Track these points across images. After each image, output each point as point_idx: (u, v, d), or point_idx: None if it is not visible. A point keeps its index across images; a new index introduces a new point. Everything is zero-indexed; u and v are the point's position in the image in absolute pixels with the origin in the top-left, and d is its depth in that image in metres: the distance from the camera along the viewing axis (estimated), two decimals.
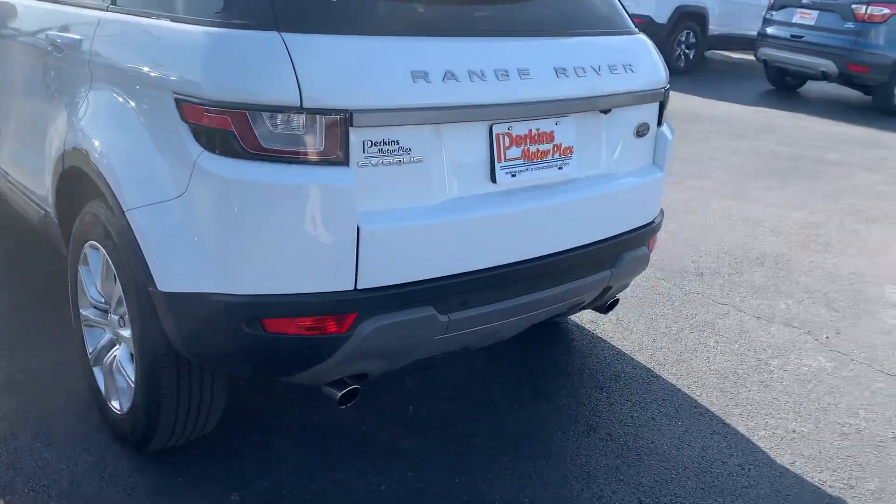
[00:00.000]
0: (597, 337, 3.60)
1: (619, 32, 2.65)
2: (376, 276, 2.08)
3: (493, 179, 2.26)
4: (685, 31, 11.63)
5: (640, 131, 2.67)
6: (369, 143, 2.00)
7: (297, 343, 2.09)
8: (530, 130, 2.33)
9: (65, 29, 2.63)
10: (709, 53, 13.90)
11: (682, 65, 11.67)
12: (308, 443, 2.65)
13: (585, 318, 3.71)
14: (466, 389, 3.07)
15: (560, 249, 2.43)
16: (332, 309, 2.06)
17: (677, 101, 9.07)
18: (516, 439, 2.77)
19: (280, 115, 1.91)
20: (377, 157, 2.02)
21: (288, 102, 1.90)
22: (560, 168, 2.42)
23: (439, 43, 2.14)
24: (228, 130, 1.92)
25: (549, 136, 2.38)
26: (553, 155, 2.40)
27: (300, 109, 1.91)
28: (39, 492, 2.32)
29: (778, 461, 2.75)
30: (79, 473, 2.40)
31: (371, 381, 2.49)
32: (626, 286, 2.97)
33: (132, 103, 2.21)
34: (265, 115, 1.91)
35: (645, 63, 2.66)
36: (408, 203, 2.11)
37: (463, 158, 2.20)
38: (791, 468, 2.72)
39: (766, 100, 10.37)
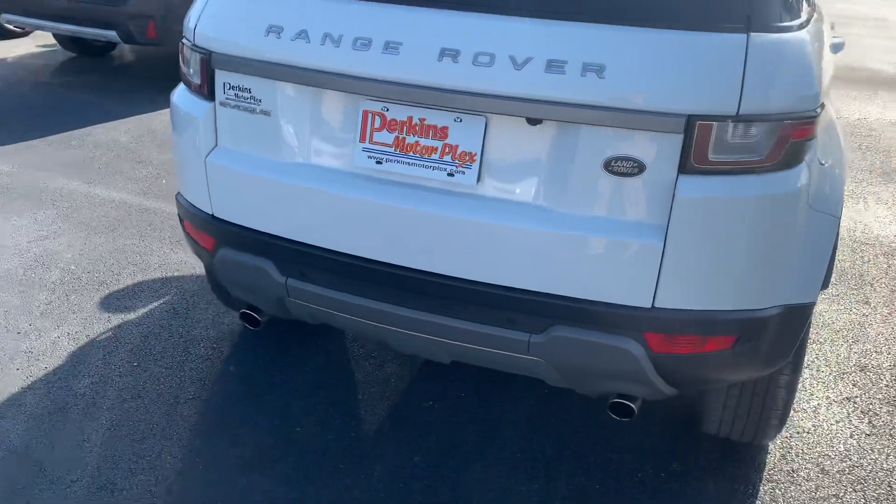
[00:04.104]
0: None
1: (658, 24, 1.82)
2: (226, 210, 2.26)
3: (353, 159, 2.07)
4: None
5: (620, 168, 1.84)
6: (228, 86, 2.17)
7: (195, 246, 2.46)
8: (410, 118, 1.99)
9: None
10: None
11: None
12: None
13: None
14: None
15: (425, 269, 2.02)
16: (199, 225, 2.35)
17: None
18: None
19: (185, 50, 2.28)
20: (234, 100, 2.17)
21: (188, 40, 2.26)
22: (451, 175, 1.98)
23: (314, 1, 2.05)
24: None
25: (441, 132, 1.97)
26: (441, 155, 1.98)
27: (193, 46, 2.24)
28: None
29: None
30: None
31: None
32: (626, 392, 2.08)
33: None
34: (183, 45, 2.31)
35: (651, 70, 1.78)
36: (257, 152, 2.18)
37: (326, 127, 2.10)
38: None
39: None
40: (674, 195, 1.81)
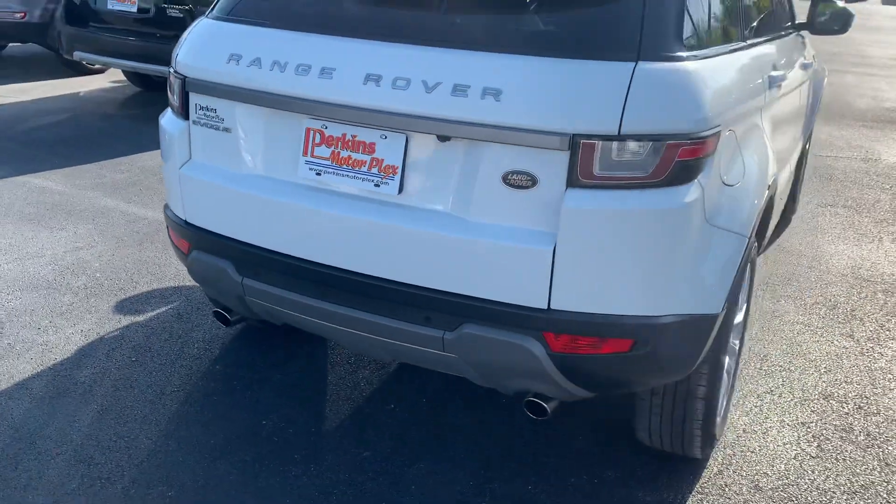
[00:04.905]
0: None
1: (556, 54, 2.03)
2: (196, 216, 2.55)
3: (297, 171, 2.33)
4: None
5: (516, 181, 2.03)
6: (199, 107, 2.48)
7: (176, 250, 2.76)
8: (344, 135, 2.24)
9: None
10: None
11: None
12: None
13: None
14: None
15: (355, 270, 2.25)
16: (177, 230, 2.65)
17: None
18: None
19: (171, 77, 2.60)
20: (203, 119, 2.48)
21: (172, 67, 2.58)
22: (377, 185, 2.21)
23: (267, 32, 2.34)
24: None
25: (370, 148, 2.21)
26: (370, 168, 2.21)
27: (174, 73, 2.56)
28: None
29: None
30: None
31: None
32: (543, 394, 2.26)
33: None
34: None
35: (541, 94, 1.98)
36: (220, 165, 2.47)
37: (275, 143, 2.37)
38: None
39: None
40: (561, 206, 1.99)
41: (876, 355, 3.52)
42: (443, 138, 2.10)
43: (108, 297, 3.73)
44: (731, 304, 2.28)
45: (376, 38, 2.19)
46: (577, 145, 1.96)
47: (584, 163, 1.97)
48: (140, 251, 4.24)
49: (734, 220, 2.24)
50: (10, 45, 9.68)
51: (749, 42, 2.65)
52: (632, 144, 1.96)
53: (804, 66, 3.67)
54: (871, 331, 3.75)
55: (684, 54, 2.08)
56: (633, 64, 1.99)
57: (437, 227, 2.13)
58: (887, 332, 3.74)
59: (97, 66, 8.33)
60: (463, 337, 2.15)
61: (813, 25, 3.90)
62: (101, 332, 3.42)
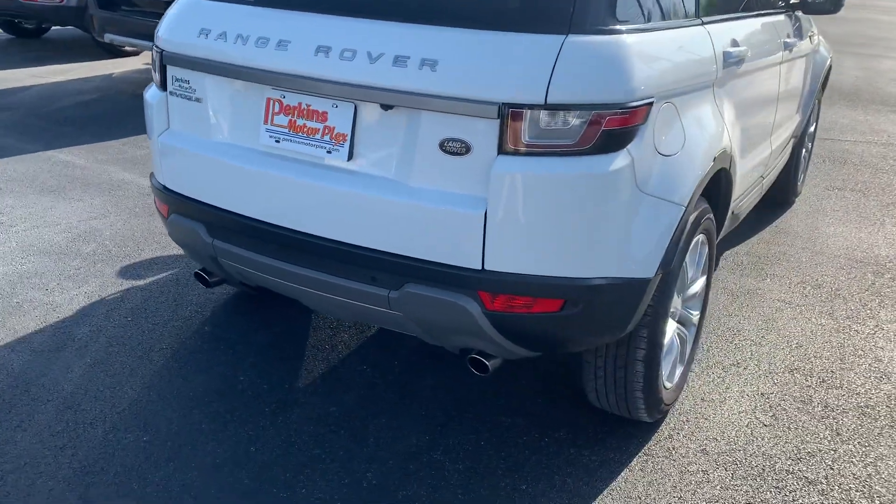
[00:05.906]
0: None
1: (500, 27, 2.14)
2: (172, 181, 2.73)
3: (258, 139, 2.48)
4: None
5: (451, 148, 2.15)
6: (175, 79, 2.65)
7: (160, 215, 2.95)
8: (300, 104, 2.38)
9: None
10: None
11: None
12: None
13: None
14: None
15: (310, 232, 2.40)
16: (158, 195, 2.83)
17: None
18: None
19: (153, 52, 2.78)
20: (178, 90, 2.64)
21: (154, 43, 2.76)
22: (329, 152, 2.35)
23: (234, 7, 2.49)
24: None
25: (322, 116, 2.35)
26: (323, 136, 2.36)
27: (155, 47, 2.74)
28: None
29: None
30: None
31: None
32: (486, 353, 2.38)
33: None
34: None
35: (474, 64, 2.09)
36: (192, 133, 2.63)
37: (240, 111, 2.52)
38: None
39: None
40: (491, 172, 2.11)
41: (852, 333, 3.55)
42: (386, 107, 2.22)
43: (114, 262, 3.96)
44: (666, 270, 2.37)
45: (328, 12, 2.33)
46: (505, 114, 2.07)
47: (512, 131, 2.08)
48: (149, 222, 4.47)
49: (670, 189, 2.32)
50: (53, 28, 10.06)
51: (704, 19, 2.71)
52: (558, 114, 2.06)
53: (787, 46, 3.69)
54: (851, 309, 3.78)
55: (620, 28, 2.17)
56: (563, 37, 2.09)
57: (382, 192, 2.26)
58: (868, 311, 3.77)
59: (131, 49, 8.63)
60: (406, 296, 2.29)
61: (806, 5, 3.92)
62: (103, 294, 3.64)
